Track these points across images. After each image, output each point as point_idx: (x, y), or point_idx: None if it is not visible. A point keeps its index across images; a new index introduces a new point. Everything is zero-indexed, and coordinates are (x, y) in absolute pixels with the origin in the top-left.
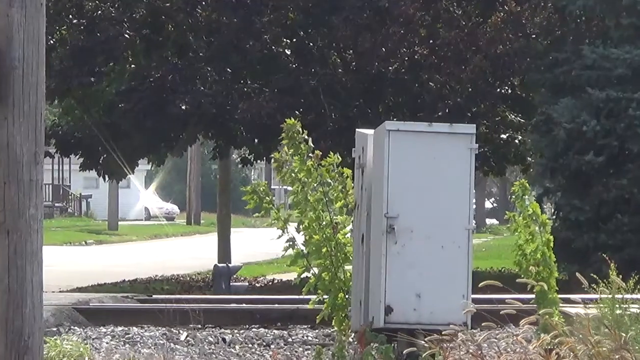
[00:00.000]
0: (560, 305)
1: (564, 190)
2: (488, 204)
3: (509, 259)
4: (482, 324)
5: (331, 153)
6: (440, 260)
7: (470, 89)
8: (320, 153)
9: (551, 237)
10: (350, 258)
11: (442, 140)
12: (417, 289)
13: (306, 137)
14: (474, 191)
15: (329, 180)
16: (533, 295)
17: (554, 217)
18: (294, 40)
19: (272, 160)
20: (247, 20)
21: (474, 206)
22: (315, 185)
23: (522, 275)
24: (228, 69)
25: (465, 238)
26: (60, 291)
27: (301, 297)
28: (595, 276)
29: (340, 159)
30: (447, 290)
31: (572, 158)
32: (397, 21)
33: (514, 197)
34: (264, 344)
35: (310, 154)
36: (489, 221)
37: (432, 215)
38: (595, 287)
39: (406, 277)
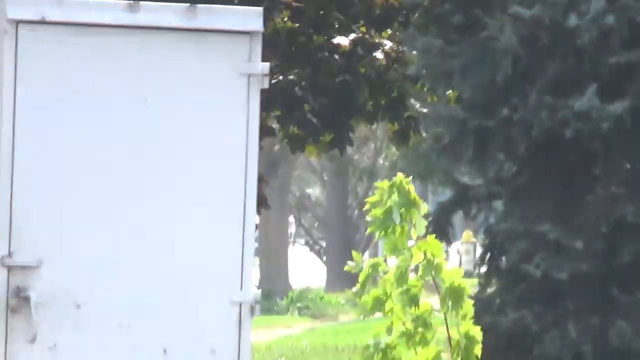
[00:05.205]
0: None
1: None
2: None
3: None
4: None
5: None
6: None
7: None
8: None
9: (477, 332)
10: None
11: (154, 46)
12: None
13: None
14: (255, 195)
15: None
16: None
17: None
18: None
19: None
20: None
21: (256, 226)
22: None
23: None
24: None
25: (230, 331)
26: None
27: None
28: None
29: None
30: None
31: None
32: None
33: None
34: None
35: None
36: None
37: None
38: None
39: None
